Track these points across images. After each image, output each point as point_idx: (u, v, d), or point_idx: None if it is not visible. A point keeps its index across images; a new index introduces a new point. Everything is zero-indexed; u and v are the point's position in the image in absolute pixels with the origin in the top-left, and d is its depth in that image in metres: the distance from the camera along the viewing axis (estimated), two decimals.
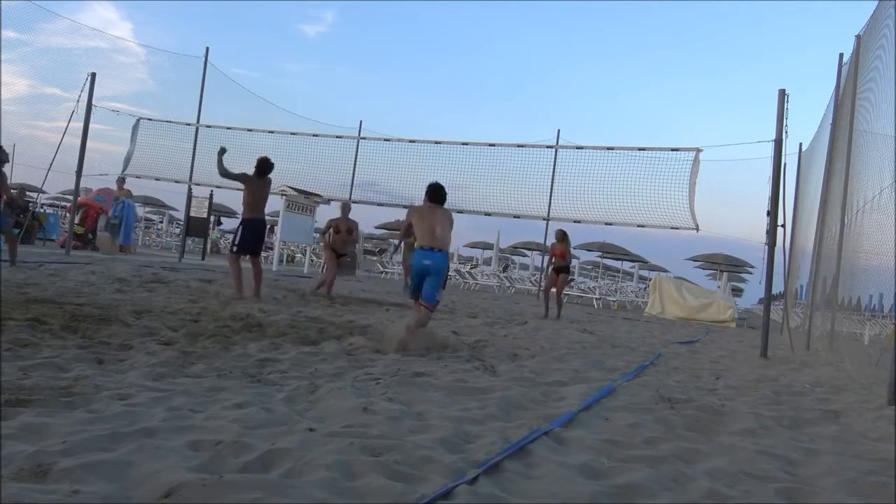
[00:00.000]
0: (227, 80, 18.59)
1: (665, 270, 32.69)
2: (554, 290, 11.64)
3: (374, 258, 26.98)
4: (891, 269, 5.28)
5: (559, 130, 17.01)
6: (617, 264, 38.08)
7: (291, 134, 18.06)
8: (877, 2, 6.64)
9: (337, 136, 18.50)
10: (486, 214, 16.47)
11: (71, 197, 15.92)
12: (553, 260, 11.80)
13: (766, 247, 8.19)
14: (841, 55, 8.95)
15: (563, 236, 11.76)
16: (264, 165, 8.13)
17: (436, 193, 6.31)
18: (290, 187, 17.15)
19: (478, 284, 23.53)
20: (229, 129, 17.86)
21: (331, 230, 10.31)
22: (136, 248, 19.68)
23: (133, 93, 40.10)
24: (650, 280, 23.85)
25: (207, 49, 17.31)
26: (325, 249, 10.70)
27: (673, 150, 14.66)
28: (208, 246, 20.77)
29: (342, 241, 10.24)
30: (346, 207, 10.64)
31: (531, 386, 4.02)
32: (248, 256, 8.25)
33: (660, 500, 2.13)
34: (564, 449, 2.65)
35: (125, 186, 16.40)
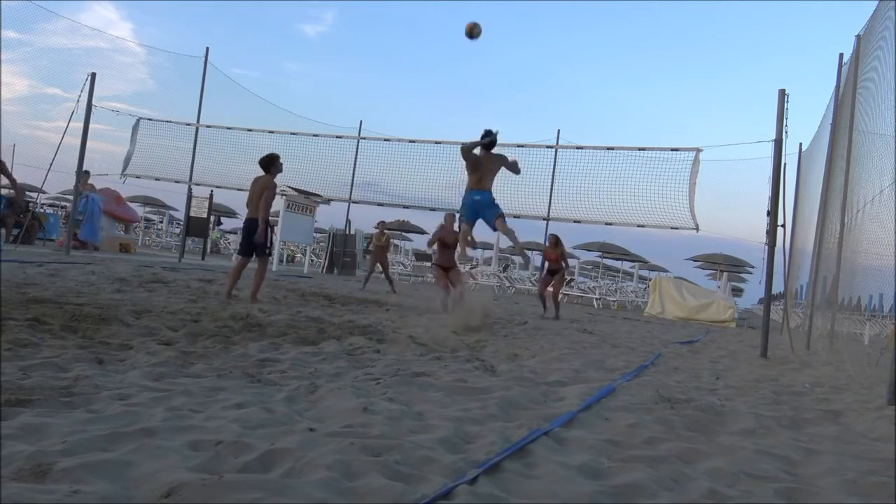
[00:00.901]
0: (227, 80, 18.64)
1: (665, 270, 32.73)
2: (550, 290, 11.60)
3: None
4: (891, 269, 5.28)
5: (559, 130, 17.06)
6: (617, 264, 38.12)
7: (291, 134, 18.09)
8: (877, 2, 6.64)
9: (337, 136, 18.52)
10: None
11: (71, 197, 15.92)
12: (548, 263, 11.76)
13: (766, 247, 8.19)
14: (841, 55, 8.95)
15: (556, 241, 11.69)
16: (262, 163, 8.02)
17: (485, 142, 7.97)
18: (290, 187, 17.17)
19: (478, 284, 23.51)
20: (229, 129, 17.89)
21: (436, 245, 9.97)
22: (135, 247, 19.68)
23: (133, 93, 40.19)
24: (650, 280, 23.86)
25: (207, 49, 17.36)
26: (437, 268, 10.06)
27: (673, 150, 14.67)
28: (208, 246, 20.79)
29: (449, 256, 9.97)
30: (450, 218, 10.32)
31: (531, 386, 4.02)
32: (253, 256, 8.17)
33: (660, 500, 2.13)
34: (564, 449, 2.65)
35: (90, 181, 15.57)
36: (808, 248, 11.03)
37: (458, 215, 9.53)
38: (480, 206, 8.09)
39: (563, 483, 2.18)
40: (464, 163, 8.10)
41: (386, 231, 14.96)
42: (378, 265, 14.21)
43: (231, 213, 37.68)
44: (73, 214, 14.84)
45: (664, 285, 18.34)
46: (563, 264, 11.73)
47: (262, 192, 7.86)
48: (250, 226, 8.00)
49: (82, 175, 15.13)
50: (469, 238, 8.24)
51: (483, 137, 7.97)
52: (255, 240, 7.83)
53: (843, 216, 7.63)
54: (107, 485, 1.83)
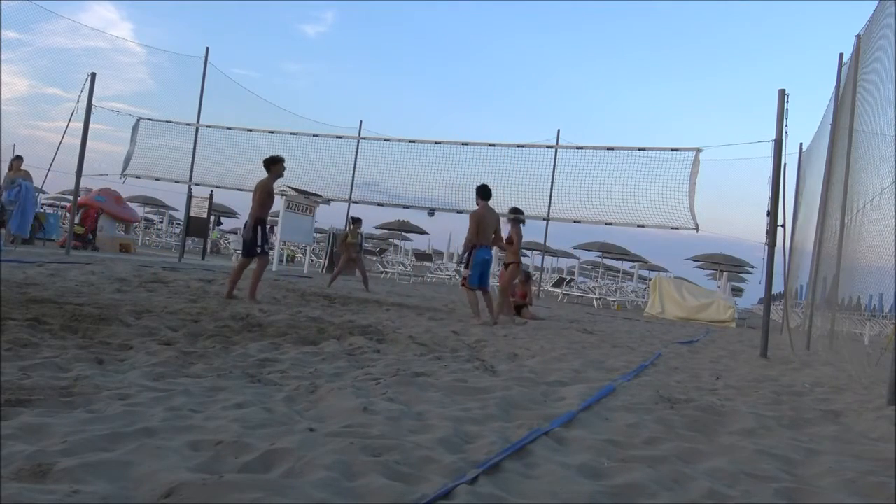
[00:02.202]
0: (227, 80, 18.62)
1: (665, 270, 32.74)
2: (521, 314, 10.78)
3: (375, 258, 26.98)
4: (891, 269, 5.28)
5: (559, 130, 17.05)
6: (617, 264, 38.12)
7: (291, 134, 18.07)
8: (877, 2, 6.64)
9: (337, 136, 18.50)
10: None
11: (71, 197, 15.91)
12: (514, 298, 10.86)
13: (766, 247, 8.19)
14: (841, 55, 8.96)
15: (527, 279, 11.19)
16: (263, 162, 8.20)
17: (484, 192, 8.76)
18: (290, 187, 17.16)
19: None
20: (229, 129, 17.87)
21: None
22: (135, 247, 19.68)
23: (133, 93, 40.07)
24: (650, 280, 23.87)
25: (207, 49, 17.35)
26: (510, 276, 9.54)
27: (673, 150, 14.65)
28: (208, 246, 20.79)
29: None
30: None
31: (531, 386, 4.02)
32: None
33: (660, 500, 2.13)
34: (564, 449, 2.65)
35: (23, 167, 13.49)
36: (808, 248, 11.02)
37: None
38: (488, 266, 8.77)
39: (563, 483, 2.18)
40: (475, 216, 8.56)
41: (359, 231, 14.54)
42: (351, 263, 13.83)
43: (231, 213, 37.66)
44: (73, 216, 14.82)
45: (664, 285, 18.34)
46: (529, 301, 11.10)
47: (255, 192, 8.04)
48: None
49: (13, 160, 13.59)
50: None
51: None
52: (243, 236, 8.09)
53: (843, 216, 7.64)
54: (107, 485, 1.83)
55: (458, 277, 23.79)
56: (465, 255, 8.75)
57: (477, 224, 8.53)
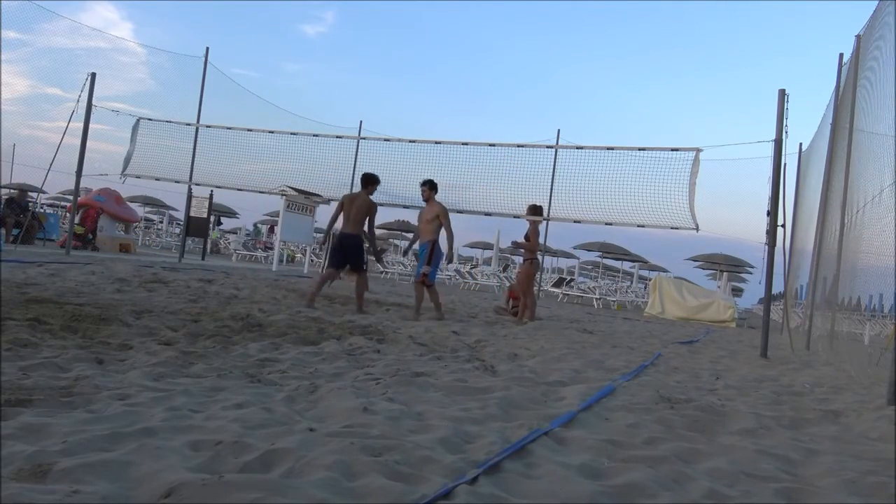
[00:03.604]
0: (227, 80, 18.58)
1: (665, 270, 32.75)
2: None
3: (374, 258, 26.95)
4: (891, 269, 5.28)
5: (559, 130, 17.05)
6: (617, 264, 38.13)
7: (291, 134, 18.02)
8: (877, 2, 6.65)
9: (337, 136, 18.45)
10: (485, 214, 16.49)
11: (71, 197, 15.90)
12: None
13: (766, 247, 8.19)
14: (841, 55, 8.97)
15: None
16: (363, 178, 8.89)
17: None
18: (290, 187, 17.16)
19: (478, 284, 23.53)
20: (229, 129, 17.84)
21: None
22: (135, 247, 19.68)
23: (133, 93, 39.96)
24: (650, 280, 23.87)
25: (207, 49, 17.32)
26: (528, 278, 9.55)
27: (673, 150, 14.61)
28: (208, 246, 20.79)
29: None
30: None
31: (531, 386, 4.02)
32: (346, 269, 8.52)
33: (660, 500, 2.13)
34: (564, 449, 2.65)
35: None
36: (808, 248, 11.03)
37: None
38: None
39: (563, 483, 2.18)
40: (440, 212, 8.55)
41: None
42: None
43: (231, 213, 37.66)
44: (73, 216, 14.81)
45: (664, 285, 18.34)
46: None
47: (367, 213, 8.65)
48: (345, 240, 8.62)
49: None
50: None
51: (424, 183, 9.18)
52: (364, 256, 8.52)
53: (843, 216, 7.64)
54: (107, 485, 1.83)
55: (457, 277, 23.78)
56: (427, 251, 8.61)
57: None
